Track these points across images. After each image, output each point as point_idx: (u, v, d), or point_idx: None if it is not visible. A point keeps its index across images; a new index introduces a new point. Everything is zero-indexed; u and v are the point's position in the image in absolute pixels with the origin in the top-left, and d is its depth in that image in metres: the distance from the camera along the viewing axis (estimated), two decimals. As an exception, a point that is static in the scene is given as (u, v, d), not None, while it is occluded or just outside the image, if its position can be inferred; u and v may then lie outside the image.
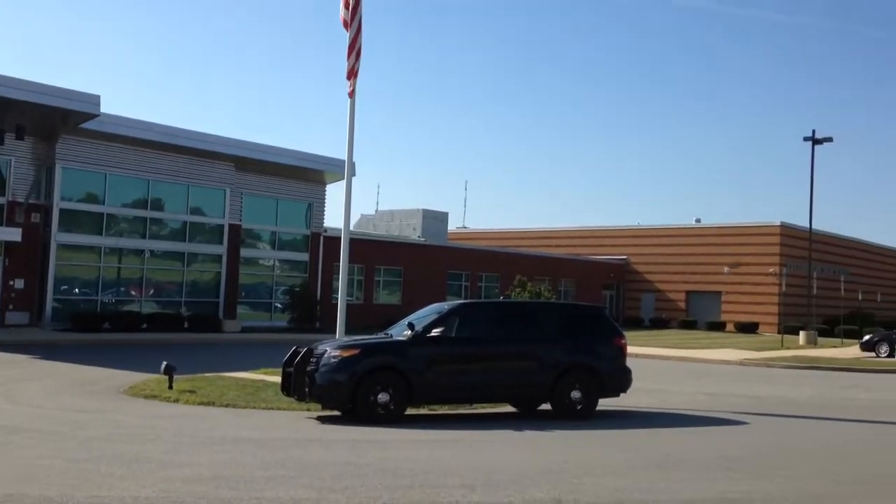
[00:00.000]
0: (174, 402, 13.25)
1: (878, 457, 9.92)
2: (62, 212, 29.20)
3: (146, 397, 13.68)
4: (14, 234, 27.23)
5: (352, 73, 14.94)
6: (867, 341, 32.07)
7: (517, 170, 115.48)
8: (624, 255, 58.14)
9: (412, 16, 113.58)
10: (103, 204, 30.60)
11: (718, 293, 54.22)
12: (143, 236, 31.95)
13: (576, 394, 12.70)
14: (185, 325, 30.71)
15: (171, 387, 14.21)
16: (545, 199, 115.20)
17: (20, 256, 27.94)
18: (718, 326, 51.27)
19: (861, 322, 45.95)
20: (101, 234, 30.49)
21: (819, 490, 7.76)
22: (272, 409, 12.80)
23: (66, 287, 29.76)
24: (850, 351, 32.93)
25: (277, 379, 13.78)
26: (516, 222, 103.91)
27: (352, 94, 15.09)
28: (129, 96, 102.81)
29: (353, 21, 14.79)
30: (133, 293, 31.82)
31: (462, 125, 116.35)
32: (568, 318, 13.87)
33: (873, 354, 30.61)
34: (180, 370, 14.88)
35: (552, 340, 12.95)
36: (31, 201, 28.28)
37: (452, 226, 56.57)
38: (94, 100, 26.26)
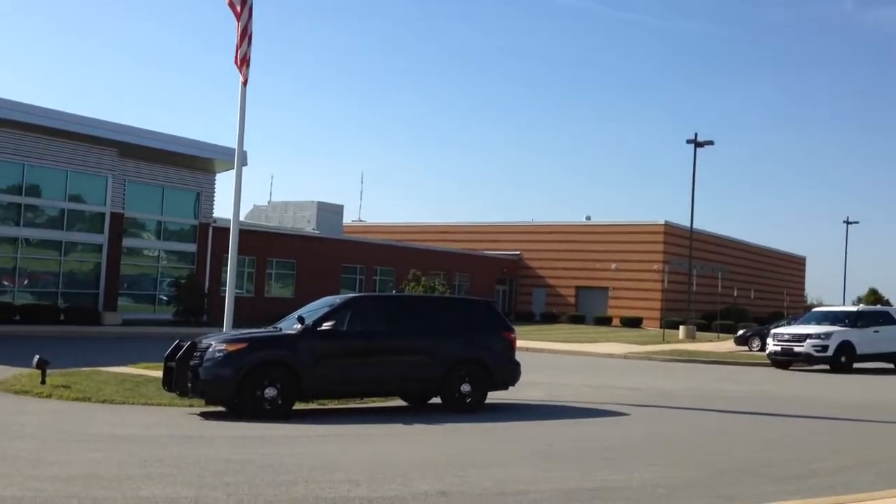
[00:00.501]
0: (47, 397, 12.59)
1: (750, 445, 10.49)
2: (-76, 195, 27.20)
3: (16, 393, 12.92)
4: None
5: (244, 61, 14.51)
6: (741, 336, 33.97)
7: (413, 165, 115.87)
8: (517, 250, 59.25)
9: (306, 2, 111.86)
10: (-29, 188, 28.69)
11: (606, 289, 56.04)
12: (17, 223, 30.15)
13: (465, 387, 12.84)
14: (62, 317, 29.22)
15: (43, 382, 13.46)
16: (441, 194, 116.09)
17: None
18: (605, 321, 53.03)
19: (736, 317, 48.57)
20: (-31, 220, 28.58)
21: (694, 477, 8.13)
22: (152, 404, 12.35)
23: (-72, 276, 27.77)
24: (726, 345, 34.77)
25: (159, 374, 13.30)
26: (412, 216, 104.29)
27: (245, 83, 14.67)
28: (14, 83, 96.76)
29: (244, 7, 14.34)
30: (6, 283, 29.99)
31: (358, 118, 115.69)
32: (459, 312, 13.99)
33: (746, 348, 32.41)
34: (55, 364, 14.16)
35: (443, 334, 13.04)
36: None
37: (348, 219, 56.19)
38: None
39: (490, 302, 15.17)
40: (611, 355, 28.65)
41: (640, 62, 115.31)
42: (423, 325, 13.08)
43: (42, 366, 13.65)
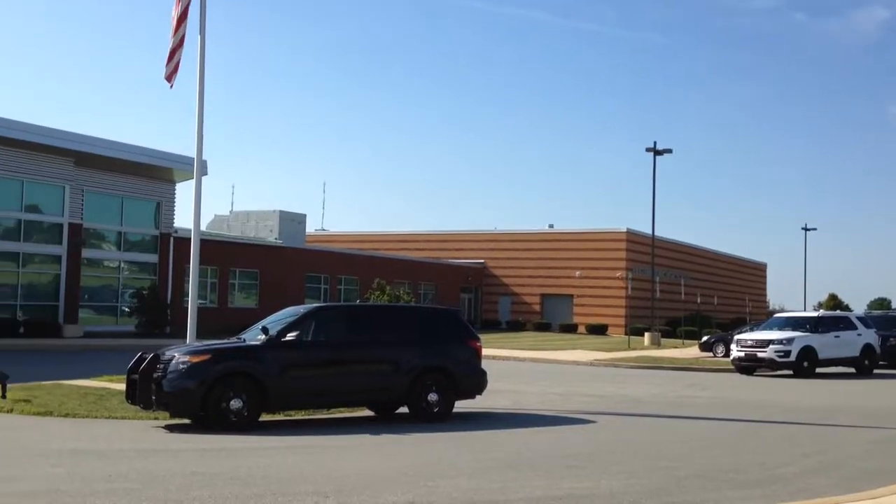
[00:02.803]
0: (7, 412, 12.33)
1: (715, 452, 10.63)
2: None
3: (-27, 408, 12.61)
4: None
5: (174, 73, 14.35)
6: (705, 342, 34.40)
7: (376, 173, 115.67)
8: (482, 258, 59.42)
9: (267, 11, 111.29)
10: (-77, 199, 27.99)
11: (570, 296, 56.45)
12: (-28, 235, 29.48)
13: (433, 396, 12.83)
14: (21, 330, 28.62)
15: (3, 396, 13.20)
16: (405, 203, 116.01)
17: None
18: (571, 328, 53.39)
19: (700, 324, 49.21)
20: (-79, 231, 27.87)
21: (659, 485, 8.23)
22: (116, 418, 12.16)
23: None
24: (691, 351, 35.19)
25: (122, 387, 13.08)
26: (376, 225, 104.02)
27: (171, 80, 14.48)
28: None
29: (181, 23, 14.19)
30: (-40, 296, 29.30)
31: (319, 127, 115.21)
32: (424, 321, 13.98)
33: (711, 354, 32.83)
34: (15, 378, 13.88)
35: (408, 343, 13.03)
36: None
37: (311, 228, 55.85)
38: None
39: (455, 311, 15.20)
40: (577, 362, 28.85)
41: (600, 72, 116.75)
42: (387, 335, 13.07)
43: (2, 380, 13.38)
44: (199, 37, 14.50)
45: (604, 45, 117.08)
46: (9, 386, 13.49)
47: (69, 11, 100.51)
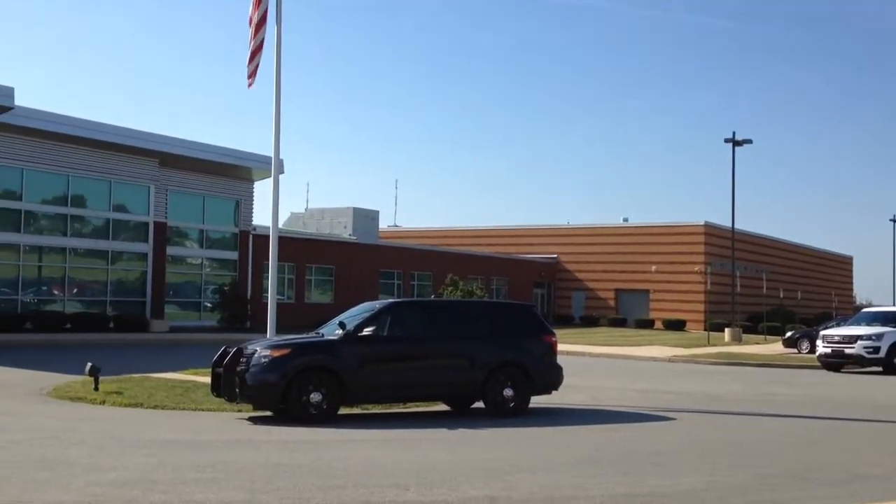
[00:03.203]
0: (100, 404, 12.87)
1: (801, 450, 10.31)
2: (-24, 208, 28.00)
3: (71, 399, 13.24)
4: (-75, 232, 25.99)
5: (254, 74, 14.71)
6: (789, 338, 33.32)
7: (448, 169, 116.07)
8: (554, 253, 59.00)
9: (340, 11, 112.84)
10: (21, 200, 29.45)
11: (647, 291, 55.53)
12: (65, 234, 30.90)
13: (508, 391, 12.82)
14: (111, 325, 29.86)
15: (96, 388, 13.79)
16: (476, 199, 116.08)
17: (-69, 254, 26.67)
18: (647, 324, 52.52)
19: (783, 319, 47.73)
20: (19, 231, 29.35)
21: (744, 483, 8.03)
22: (202, 410, 12.56)
23: (-17, 286, 28.56)
24: (774, 347, 34.19)
25: (207, 379, 13.53)
26: (448, 221, 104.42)
27: (251, 85, 14.87)
28: (52, 93, 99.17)
29: (261, 27, 14.54)
30: (55, 292, 30.74)
31: (392, 123, 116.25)
32: (498, 316, 13.98)
33: (795, 351, 31.82)
34: (106, 371, 14.48)
35: (483, 339, 13.05)
36: (-58, 197, 27.05)
37: (383, 224, 56.48)
38: (8, 92, 25.27)
39: (530, 306, 15.15)
40: (654, 359, 28.37)
41: (678, 60, 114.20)
42: (462, 330, 13.11)
43: (95, 373, 13.99)
44: (275, 39, 14.85)
45: (672, 32, 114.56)
46: (101, 379, 14.09)
47: (153, 20, 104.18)
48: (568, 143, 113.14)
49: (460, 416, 13.05)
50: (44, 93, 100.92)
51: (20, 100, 25.56)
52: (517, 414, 12.69)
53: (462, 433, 11.20)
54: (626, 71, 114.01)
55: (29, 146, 29.13)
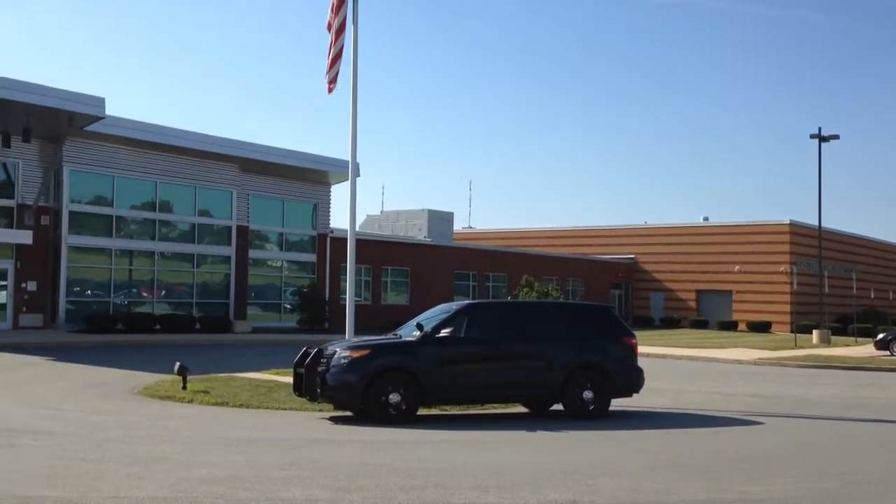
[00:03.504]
0: (188, 402, 13.31)
1: None
2: (71, 214, 29.33)
3: (161, 398, 13.74)
4: (25, 237, 27.36)
5: (334, 80, 14.89)
6: (881, 339, 31.86)
7: (522, 169, 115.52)
8: (632, 254, 58.06)
9: (414, 13, 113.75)
10: (112, 206, 30.73)
11: (729, 292, 54.08)
12: (153, 238, 32.09)
13: (587, 394, 12.68)
14: (197, 325, 30.85)
15: (184, 387, 14.27)
16: (551, 199, 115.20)
17: (32, 259, 28.08)
18: (730, 326, 51.12)
19: (874, 320, 45.71)
20: (111, 236, 30.63)
21: (836, 490, 7.72)
22: (285, 409, 12.84)
23: (78, 289, 29.89)
24: (864, 349, 32.77)
25: (289, 379, 13.83)
26: (522, 222, 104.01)
27: (332, 88, 15.03)
28: (134, 99, 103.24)
29: (340, 34, 14.73)
30: (145, 294, 31.96)
31: (466, 124, 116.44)
32: (577, 317, 13.86)
33: (888, 353, 30.42)
34: (193, 371, 14.94)
35: (561, 340, 12.95)
36: (40, 204, 28.41)
37: (458, 226, 56.62)
38: (99, 102, 26.36)
39: (609, 307, 14.97)
40: (739, 361, 27.57)
41: (760, 54, 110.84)
42: (540, 331, 13.05)
43: (183, 372, 14.48)
44: (351, 43, 15.05)
45: (755, 26, 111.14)
46: (188, 378, 14.57)
47: (234, 27, 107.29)
48: (644, 141, 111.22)
49: (539, 418, 12.97)
50: (132, 102, 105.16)
51: (110, 109, 26.70)
52: (597, 417, 12.53)
53: (542, 435, 11.12)
54: (706, 70, 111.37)
55: (119, 154, 30.37)
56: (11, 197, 28.08)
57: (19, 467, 7.59)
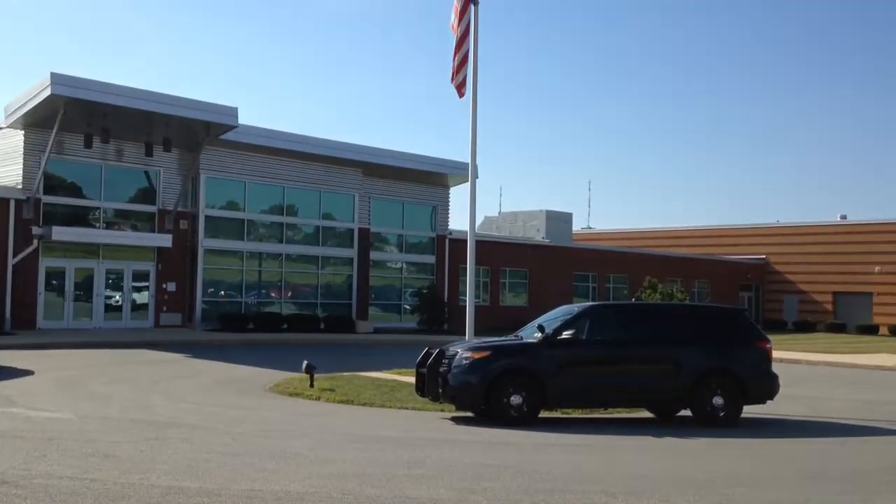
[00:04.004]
0: (315, 399, 13.73)
1: None
2: (207, 218, 30.92)
3: (290, 395, 14.25)
4: (165, 241, 29.07)
5: (462, 84, 14.96)
6: None
7: (643, 167, 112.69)
8: (762, 254, 55.57)
9: (532, 14, 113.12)
10: (244, 211, 32.18)
11: (869, 294, 50.85)
12: (280, 241, 33.37)
13: (717, 400, 12.22)
14: (322, 325, 31.85)
15: (312, 385, 14.74)
16: (674, 198, 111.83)
17: (171, 261, 29.81)
18: (870, 330, 48.04)
19: None
20: (242, 239, 32.09)
21: None
22: (407, 408, 13.03)
23: (212, 289, 31.48)
24: None
25: (410, 379, 14.03)
26: (644, 222, 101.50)
27: (461, 91, 15.10)
28: (259, 106, 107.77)
29: (465, 34, 14.82)
30: (273, 295, 33.29)
31: (585, 123, 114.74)
32: (706, 320, 13.40)
33: None
34: (319, 369, 15.41)
35: (689, 344, 12.54)
36: (179, 209, 30.11)
37: (577, 226, 55.86)
38: (233, 112, 27.67)
39: (741, 310, 14.40)
40: (881, 367, 25.83)
41: (883, 37, 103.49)
42: (666, 335, 12.68)
43: (310, 370, 14.97)
44: (472, 46, 15.11)
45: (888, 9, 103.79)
46: (315, 376, 15.04)
47: (345, 41, 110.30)
48: (773, 136, 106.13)
49: (665, 424, 12.61)
50: (258, 110, 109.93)
51: (241, 118, 27.96)
52: (728, 424, 12.05)
53: (669, 442, 10.78)
54: (840, 59, 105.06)
55: (250, 161, 31.78)
56: (153, 203, 29.88)
57: (165, 459, 8.03)
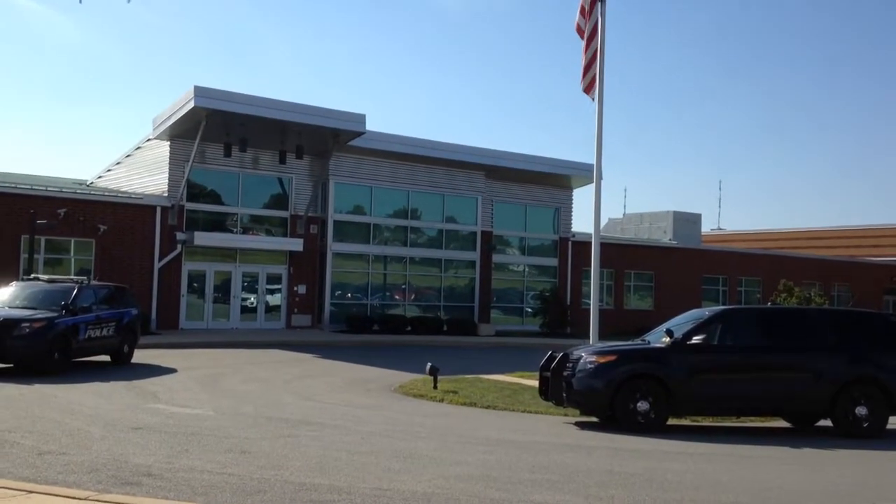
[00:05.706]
0: (439, 401, 13.92)
1: None
2: (335, 223, 31.95)
3: (414, 396, 14.51)
4: (297, 245, 30.27)
5: (591, 86, 14.75)
6: None
7: (777, 167, 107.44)
8: (909, 255, 51.83)
9: (656, 14, 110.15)
10: (369, 215, 33.04)
11: None
12: (404, 244, 34.01)
13: (861, 410, 11.53)
14: (444, 328, 32.23)
15: (435, 387, 14.95)
16: (810, 197, 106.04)
17: (302, 265, 31.00)
18: None
19: None
20: (368, 242, 32.95)
21: None
22: (530, 412, 12.99)
23: (339, 292, 32.49)
24: None
25: (533, 382, 13.97)
26: (778, 222, 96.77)
27: (590, 93, 14.91)
28: (380, 110, 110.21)
29: (593, 36, 14.60)
30: (397, 297, 33.98)
31: (714, 121, 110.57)
32: (848, 325, 12.64)
33: None
34: (442, 371, 15.61)
35: (831, 350, 11.90)
36: (309, 214, 31.27)
37: (706, 227, 53.90)
38: (360, 119, 28.48)
39: (887, 315, 13.51)
40: None
41: None
42: (805, 341, 12.07)
43: (434, 372, 15.19)
44: (598, 48, 14.91)
45: None
46: (438, 378, 15.24)
47: (470, 46, 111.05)
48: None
49: (803, 434, 12.01)
50: (382, 115, 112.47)
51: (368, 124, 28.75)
52: (872, 435, 11.36)
53: (808, 452, 10.25)
54: None
55: (375, 165, 32.60)
56: (286, 209, 31.17)
57: (297, 456, 8.36)
